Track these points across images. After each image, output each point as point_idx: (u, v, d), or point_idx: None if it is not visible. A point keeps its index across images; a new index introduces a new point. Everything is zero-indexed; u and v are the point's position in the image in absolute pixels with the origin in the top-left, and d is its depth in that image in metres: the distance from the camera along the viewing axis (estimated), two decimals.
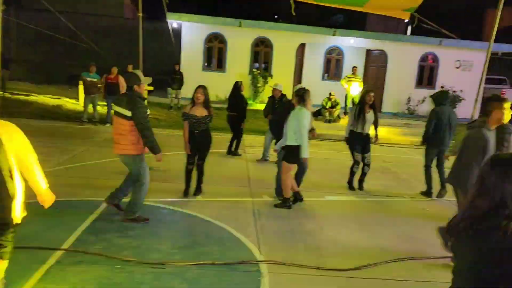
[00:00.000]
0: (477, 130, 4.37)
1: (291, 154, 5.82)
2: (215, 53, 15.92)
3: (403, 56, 16.78)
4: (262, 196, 6.42)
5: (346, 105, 14.55)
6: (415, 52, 16.89)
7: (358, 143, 6.97)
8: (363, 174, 7.12)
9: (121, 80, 11.53)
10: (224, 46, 15.76)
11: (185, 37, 15.46)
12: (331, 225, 5.49)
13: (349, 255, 4.58)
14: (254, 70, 15.77)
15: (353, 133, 6.97)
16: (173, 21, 15.34)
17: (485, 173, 1.66)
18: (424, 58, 17.13)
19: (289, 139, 5.82)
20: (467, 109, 17.46)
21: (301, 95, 5.84)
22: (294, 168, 6.02)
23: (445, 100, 6.89)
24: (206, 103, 5.92)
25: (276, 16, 23.12)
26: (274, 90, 8.25)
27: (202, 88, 5.94)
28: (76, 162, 7.64)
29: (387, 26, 22.89)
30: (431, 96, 7.26)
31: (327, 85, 16.26)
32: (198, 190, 6.18)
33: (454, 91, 16.62)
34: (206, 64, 16.00)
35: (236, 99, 8.85)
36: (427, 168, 7.09)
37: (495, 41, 19.95)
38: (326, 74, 17.66)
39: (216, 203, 5.94)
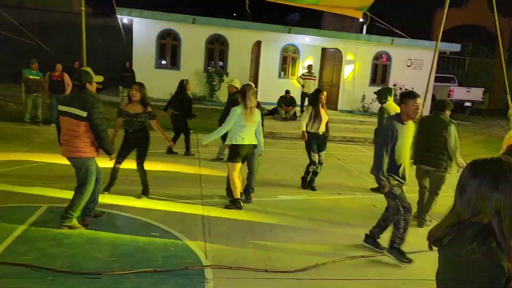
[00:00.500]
0: (388, 121, 4.56)
1: (232, 153, 5.74)
2: (168, 51, 15.49)
3: (358, 55, 17.04)
4: (213, 197, 6.22)
5: (302, 103, 14.56)
6: (369, 50, 17.19)
7: (315, 143, 6.94)
8: (315, 174, 7.08)
9: (67, 78, 10.98)
10: (178, 43, 15.36)
11: (137, 34, 14.93)
12: (282, 225, 5.37)
13: (299, 256, 4.47)
14: (209, 68, 15.48)
15: (309, 134, 6.91)
16: (123, 17, 14.76)
17: (465, 181, 1.55)
18: (377, 57, 17.47)
19: (227, 138, 5.77)
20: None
21: (242, 91, 5.70)
22: (238, 167, 5.85)
23: (387, 97, 7.02)
24: (143, 101, 5.71)
25: (235, 14, 22.97)
26: (229, 86, 8.04)
27: (138, 85, 5.77)
28: (14, 165, 7.12)
29: (343, 25, 23.26)
30: (375, 93, 7.39)
31: (284, 83, 16.26)
32: (144, 192, 5.91)
33: (406, 89, 17.05)
34: (159, 61, 15.55)
35: (180, 98, 8.59)
36: None
37: (444, 40, 20.76)
38: (282, 72, 17.65)
39: (163, 206, 5.67)
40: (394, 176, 4.41)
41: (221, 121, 7.88)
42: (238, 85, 7.89)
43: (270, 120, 13.63)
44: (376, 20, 18.48)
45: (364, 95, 17.06)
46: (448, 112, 5.59)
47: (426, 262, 4.60)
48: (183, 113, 8.58)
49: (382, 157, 4.33)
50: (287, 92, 14.18)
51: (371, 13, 21.00)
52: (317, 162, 6.92)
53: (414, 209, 5.82)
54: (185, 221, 5.22)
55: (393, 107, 6.67)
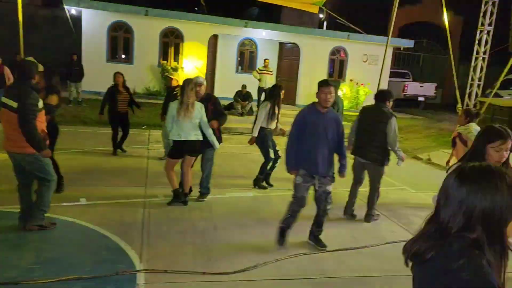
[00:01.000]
0: (303, 108, 4.57)
1: (169, 149, 5.73)
2: (120, 44, 14.92)
3: (315, 50, 17.07)
4: (157, 196, 5.94)
5: (258, 98, 14.43)
6: (325, 45, 17.26)
7: (271, 139, 6.82)
8: (272, 169, 6.98)
9: (7, 71, 10.32)
10: (131, 36, 14.82)
11: (86, 26, 14.26)
12: (226, 224, 5.19)
13: (241, 256, 4.31)
14: (163, 62, 15.04)
15: (266, 130, 6.78)
16: (71, 7, 14.07)
17: (450, 189, 1.39)
18: (334, 52, 17.57)
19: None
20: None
21: (182, 86, 5.49)
22: (172, 163, 5.66)
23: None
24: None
25: (196, 8, 22.47)
26: (168, 78, 7.65)
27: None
28: None
29: (302, 20, 23.30)
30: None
31: (242, 78, 16.02)
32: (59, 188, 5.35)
33: (362, 84, 17.29)
34: (111, 55, 14.96)
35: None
36: None
37: (400, 37, 21.13)
38: (240, 67, 17.44)
39: (101, 207, 5.35)
40: (303, 165, 4.40)
41: (162, 115, 7.77)
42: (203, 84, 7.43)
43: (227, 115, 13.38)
44: (334, 16, 18.66)
45: None
46: (389, 103, 5.50)
47: (370, 258, 4.55)
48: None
49: (291, 146, 4.42)
50: (244, 87, 13.99)
51: (329, 8, 21.18)
52: (273, 158, 6.83)
53: (363, 202, 5.82)
54: (123, 222, 4.93)
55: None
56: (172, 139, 5.52)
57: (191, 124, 5.42)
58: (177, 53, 15.62)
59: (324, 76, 17.43)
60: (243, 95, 13.95)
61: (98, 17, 14.38)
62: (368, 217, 5.62)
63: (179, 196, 5.63)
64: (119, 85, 8.03)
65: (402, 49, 21.18)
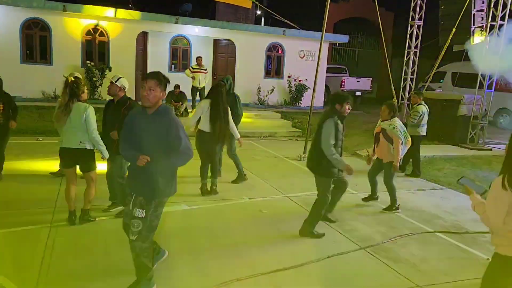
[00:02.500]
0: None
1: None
2: (36, 43, 13.49)
3: (250, 46, 16.58)
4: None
5: (193, 98, 13.68)
6: (261, 42, 16.81)
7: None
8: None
9: None
10: (48, 35, 13.45)
11: None
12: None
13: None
14: (88, 62, 13.81)
15: (203, 133, 6.17)
16: None
17: None
18: (271, 48, 17.17)
19: None
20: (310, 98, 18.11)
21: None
22: (66, 174, 4.98)
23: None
24: None
25: (130, 5, 21.03)
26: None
27: None
28: None
29: (237, 16, 22.71)
30: (222, 81, 6.84)
31: (176, 77, 15.08)
32: None
33: (300, 80, 17.05)
34: (26, 56, 13.49)
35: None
36: None
37: (337, 32, 21.17)
38: (173, 66, 16.54)
39: None
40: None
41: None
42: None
43: None
44: (269, 12, 18.26)
45: (259, 88, 16.68)
46: (339, 106, 4.81)
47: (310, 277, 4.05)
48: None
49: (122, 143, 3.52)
50: (176, 87, 13.16)
51: (265, 4, 20.73)
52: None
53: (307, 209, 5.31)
54: (18, 258, 4.06)
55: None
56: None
57: (72, 129, 4.71)
58: (103, 53, 14.43)
59: (261, 73, 16.99)
60: (175, 96, 13.12)
61: (7, 13, 12.88)
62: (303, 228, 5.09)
63: (71, 218, 4.90)
64: None
65: (337, 44, 21.29)
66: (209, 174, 6.44)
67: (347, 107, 4.83)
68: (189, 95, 13.60)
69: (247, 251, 4.53)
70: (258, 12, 24.85)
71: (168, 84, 3.40)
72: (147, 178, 3.31)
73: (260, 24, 23.55)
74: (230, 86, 7.03)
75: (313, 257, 4.44)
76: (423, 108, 8.04)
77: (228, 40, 16.47)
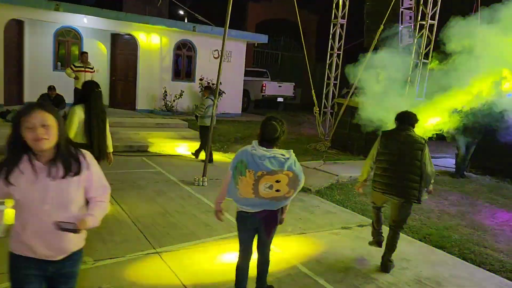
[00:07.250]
0: None
1: None
2: None
3: (155, 43, 14.22)
4: None
5: (75, 102, 11.02)
6: (169, 39, 14.49)
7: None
8: None
9: None
10: None
11: None
12: None
13: None
14: None
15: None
16: None
17: None
18: (180, 46, 14.91)
19: None
20: (228, 102, 16.19)
21: None
22: None
23: None
24: None
25: None
26: None
27: None
28: None
29: (146, 9, 20.15)
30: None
31: (63, 77, 12.22)
32: None
33: (213, 84, 14.95)
34: None
35: None
36: None
37: (258, 33, 19.33)
38: (59, 63, 13.63)
39: None
40: None
41: None
42: None
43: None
44: (179, 4, 16.01)
45: (165, 91, 14.36)
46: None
47: None
48: None
49: None
50: (51, 88, 10.48)
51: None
52: None
53: None
54: None
55: None
56: None
57: None
58: None
59: (168, 74, 14.68)
60: (51, 99, 10.42)
61: None
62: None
63: None
64: None
65: (256, 45, 19.57)
66: None
67: None
68: (70, 99, 10.93)
69: None
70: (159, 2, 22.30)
71: None
72: None
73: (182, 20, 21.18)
74: None
75: None
76: None
77: (130, 35, 13.96)
